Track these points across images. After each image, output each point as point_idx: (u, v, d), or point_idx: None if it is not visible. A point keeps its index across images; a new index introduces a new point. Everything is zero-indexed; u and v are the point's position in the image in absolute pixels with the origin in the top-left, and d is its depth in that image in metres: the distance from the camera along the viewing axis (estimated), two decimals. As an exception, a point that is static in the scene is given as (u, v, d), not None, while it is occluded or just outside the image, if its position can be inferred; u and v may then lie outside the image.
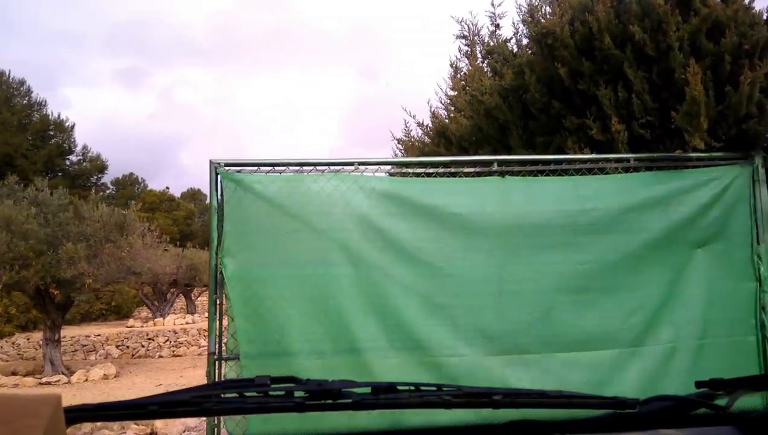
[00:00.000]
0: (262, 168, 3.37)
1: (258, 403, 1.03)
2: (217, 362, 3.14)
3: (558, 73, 4.10)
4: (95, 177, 30.64)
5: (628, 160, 3.61)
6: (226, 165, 3.34)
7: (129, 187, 37.13)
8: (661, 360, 3.28)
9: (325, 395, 1.01)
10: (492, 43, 5.51)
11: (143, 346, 15.46)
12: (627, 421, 1.09)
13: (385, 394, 1.04)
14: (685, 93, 3.40)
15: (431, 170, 3.51)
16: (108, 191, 33.63)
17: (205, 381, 3.16)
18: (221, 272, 3.16)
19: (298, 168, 3.40)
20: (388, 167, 4.04)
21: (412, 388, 1.07)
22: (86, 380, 11.46)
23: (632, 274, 3.40)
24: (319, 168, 3.41)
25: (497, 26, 5.33)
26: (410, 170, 3.61)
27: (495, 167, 3.51)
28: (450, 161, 3.50)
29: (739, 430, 1.14)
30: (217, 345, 3.17)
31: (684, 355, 3.30)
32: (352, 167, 3.43)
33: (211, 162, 3.33)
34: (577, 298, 3.35)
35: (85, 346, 15.21)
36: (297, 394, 1.01)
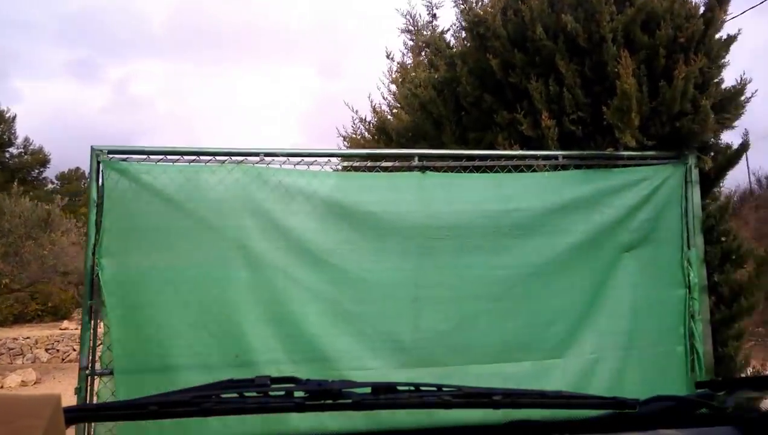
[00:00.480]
0: (152, 156, 2.99)
1: (258, 403, 1.02)
2: (89, 377, 2.75)
3: (490, 65, 3.85)
4: (37, 171, 29.19)
5: (556, 157, 3.39)
6: (110, 152, 2.95)
7: (75, 181, 35.55)
8: (584, 372, 3.06)
9: (325, 395, 1.00)
10: (428, 34, 5.26)
11: (74, 350, 14.61)
12: (627, 421, 1.08)
13: (385, 395, 1.03)
14: (617, 87, 3.19)
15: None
16: (52, 186, 32.11)
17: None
18: (98, 275, 2.77)
19: (194, 157, 3.03)
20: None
21: (412, 388, 1.07)
22: (1, 387, 10.67)
23: (555, 279, 3.17)
24: (219, 158, 3.05)
25: (434, 16, 5.08)
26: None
27: (416, 162, 3.23)
28: (367, 154, 3.21)
29: (739, 430, 1.10)
30: (90, 358, 2.78)
31: (608, 367, 3.09)
32: (257, 158, 3.09)
33: (92, 148, 2.94)
34: (496, 306, 3.10)
35: (12, 349, 14.26)
36: (297, 394, 1.00)
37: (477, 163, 3.29)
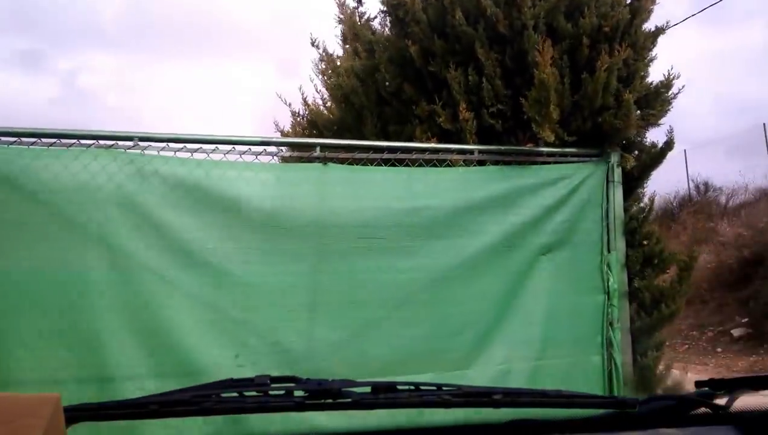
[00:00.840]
0: (2, 138, 2.57)
1: (258, 402, 1.02)
2: None
3: (410, 52, 3.57)
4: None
5: (471, 152, 3.14)
6: (-50, 132, 2.52)
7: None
8: (492, 384, 2.81)
9: (324, 395, 1.01)
10: (353, 20, 4.94)
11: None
12: (627, 421, 1.08)
13: (384, 394, 1.04)
14: (535, 77, 2.96)
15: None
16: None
17: None
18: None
19: (55, 140, 2.63)
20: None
21: (412, 387, 1.07)
22: None
23: (465, 284, 2.92)
24: (84, 142, 2.66)
25: (359, 2, 4.76)
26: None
27: (317, 153, 2.92)
28: (261, 141, 2.85)
29: (739, 430, 1.09)
30: None
31: (518, 378, 2.85)
32: (131, 143, 2.71)
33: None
34: (400, 313, 2.82)
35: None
36: (297, 393, 1.01)
37: (386, 155, 3.00)
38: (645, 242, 3.23)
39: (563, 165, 3.20)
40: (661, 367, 3.37)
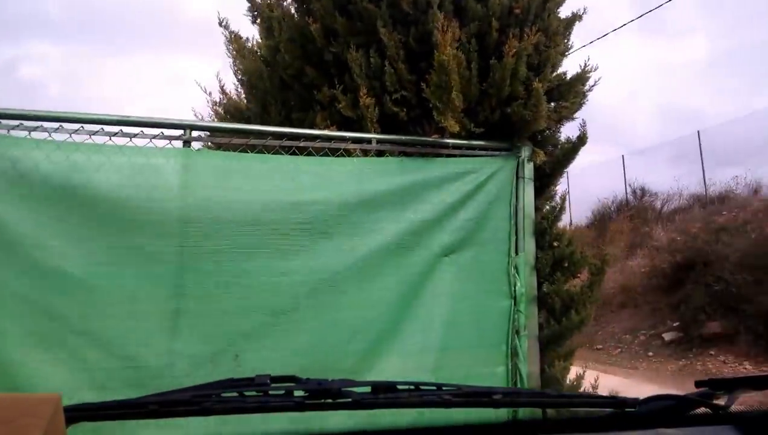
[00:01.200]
0: None
1: (258, 402, 1.02)
2: None
3: (311, 31, 3.24)
4: None
5: (369, 141, 2.83)
6: None
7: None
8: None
9: (324, 395, 1.01)
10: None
11: None
12: (627, 421, 1.07)
13: (384, 394, 1.04)
14: (435, 59, 2.68)
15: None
16: None
17: None
18: None
19: None
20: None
21: (412, 387, 1.07)
22: None
23: (356, 288, 2.61)
24: None
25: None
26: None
27: (185, 135, 2.54)
28: (118, 120, 2.45)
29: (739, 430, 1.06)
30: None
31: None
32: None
33: None
34: (280, 321, 2.48)
35: None
36: (297, 393, 1.01)
37: (269, 142, 2.66)
38: (555, 244, 3.00)
39: (470, 159, 2.94)
40: (572, 376, 3.15)
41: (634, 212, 14.83)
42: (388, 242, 2.69)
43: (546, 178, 3.15)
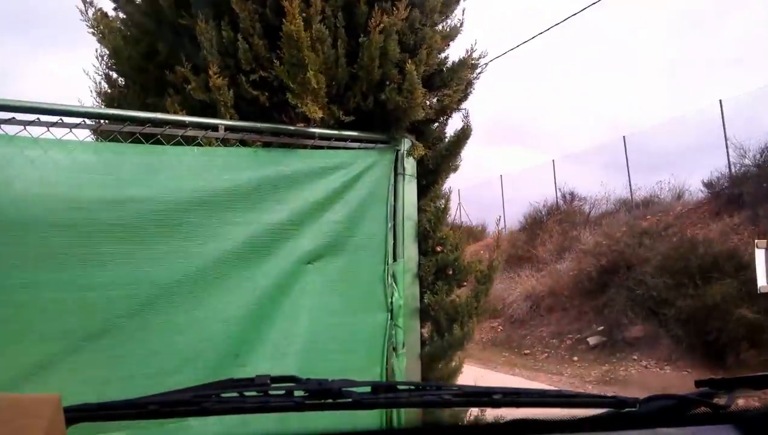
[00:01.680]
0: None
1: (258, 402, 1.02)
2: None
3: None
4: None
5: (215, 127, 2.39)
6: None
7: None
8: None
9: (325, 395, 1.00)
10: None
11: None
12: (627, 420, 1.08)
13: (385, 394, 1.05)
14: (283, 30, 2.27)
15: None
16: None
17: None
18: None
19: None
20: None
21: (413, 387, 1.13)
22: None
23: (191, 305, 2.16)
24: None
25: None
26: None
27: None
28: None
29: (739, 430, 1.06)
30: None
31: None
32: None
33: None
34: (88, 347, 2.00)
35: None
36: (297, 393, 1.00)
37: (84, 125, 2.18)
38: (438, 249, 2.64)
39: (339, 151, 2.55)
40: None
41: (563, 216, 14.95)
42: (236, 249, 2.26)
43: (431, 176, 2.80)
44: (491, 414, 1.08)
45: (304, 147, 2.50)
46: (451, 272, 2.66)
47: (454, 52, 2.94)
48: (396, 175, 2.64)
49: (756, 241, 7.20)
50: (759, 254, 7.12)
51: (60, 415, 0.77)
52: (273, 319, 2.31)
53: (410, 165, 2.71)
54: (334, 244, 2.46)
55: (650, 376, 8.58)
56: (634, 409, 1.09)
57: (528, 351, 11.03)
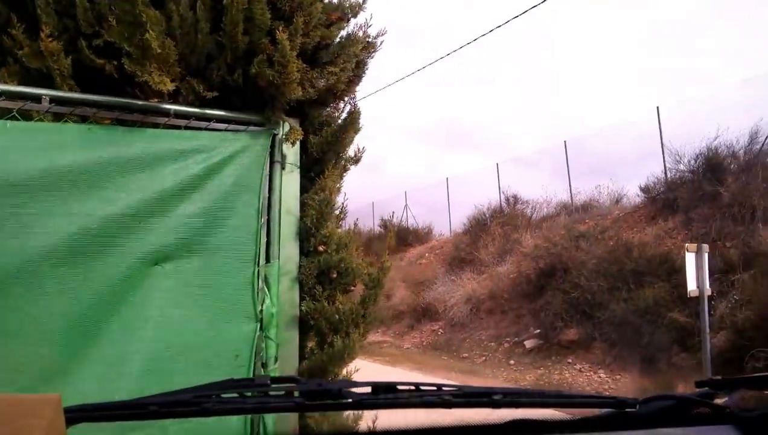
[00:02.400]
0: None
1: (258, 403, 1.03)
2: None
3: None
4: None
5: (37, 98, 1.98)
6: None
7: None
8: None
9: (325, 395, 1.00)
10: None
11: None
12: (627, 420, 1.09)
13: (385, 394, 1.03)
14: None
15: None
16: None
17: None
18: None
19: None
20: None
21: (412, 387, 1.08)
22: None
23: (6, 312, 1.75)
24: None
25: None
26: None
27: None
28: None
29: (739, 430, 1.07)
30: None
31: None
32: None
33: None
34: None
35: None
36: (297, 394, 1.00)
37: None
38: (321, 248, 2.30)
39: (200, 132, 2.17)
40: (348, 415, 2.46)
41: (505, 219, 14.92)
42: (57, 245, 1.85)
43: (317, 166, 2.45)
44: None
45: (156, 126, 2.11)
46: (335, 275, 2.32)
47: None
48: (273, 163, 2.28)
49: (686, 245, 7.19)
50: (689, 259, 7.12)
51: (60, 415, 0.77)
52: (106, 333, 1.91)
53: (292, 153, 2.36)
54: (189, 241, 2.09)
55: (584, 380, 8.51)
56: (634, 410, 1.08)
57: (466, 354, 10.85)
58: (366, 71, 2.49)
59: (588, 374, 8.65)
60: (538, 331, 10.10)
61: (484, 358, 10.44)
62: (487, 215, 15.84)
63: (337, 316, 2.28)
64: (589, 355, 8.92)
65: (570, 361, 9.01)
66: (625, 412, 1.09)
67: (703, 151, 10.63)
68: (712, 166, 10.34)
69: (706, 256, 7.10)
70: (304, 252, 2.35)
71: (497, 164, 16.74)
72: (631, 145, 16.02)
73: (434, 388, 1.09)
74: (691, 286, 7.02)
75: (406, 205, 20.83)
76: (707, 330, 7.08)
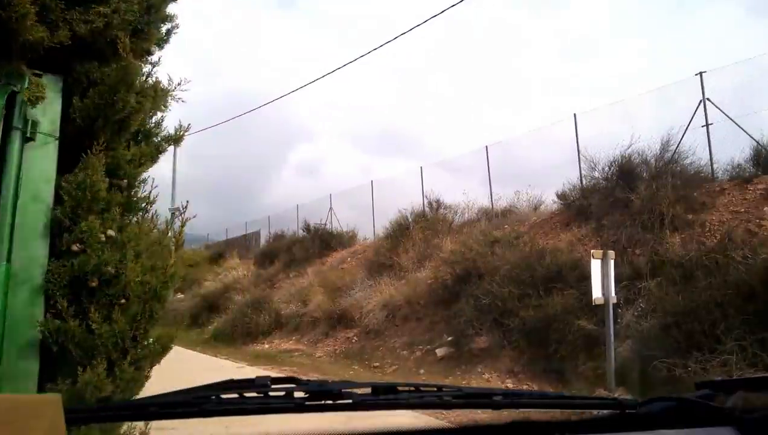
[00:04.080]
0: None
1: (259, 403, 1.03)
2: None
3: None
4: None
5: None
6: None
7: None
8: None
9: (325, 396, 1.02)
10: None
11: None
12: (627, 421, 1.10)
13: (385, 395, 1.05)
14: None
15: None
16: None
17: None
18: None
19: None
20: None
21: (413, 388, 1.10)
22: None
23: None
24: None
25: None
26: None
27: None
28: None
29: (738, 431, 1.08)
30: None
31: None
32: None
33: None
34: None
35: None
36: (297, 394, 1.02)
37: None
38: (76, 248, 1.71)
39: None
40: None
41: (427, 224, 14.64)
42: None
43: (83, 137, 1.86)
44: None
45: None
46: (95, 284, 1.73)
47: None
48: (9, 129, 1.68)
49: (592, 251, 7.03)
50: (595, 265, 6.94)
51: (60, 416, 0.76)
52: None
53: (48, 120, 1.77)
54: None
55: (493, 390, 8.22)
56: (634, 411, 1.09)
57: (378, 363, 10.38)
58: (173, 26, 1.92)
59: (496, 384, 8.37)
60: (451, 338, 9.78)
61: (395, 367, 10.01)
62: (410, 220, 15.51)
63: (94, 340, 1.69)
64: (499, 364, 8.65)
65: (479, 369, 8.72)
66: (625, 413, 1.09)
67: (617, 158, 10.70)
68: (625, 174, 10.40)
69: (611, 262, 6.96)
70: (55, 252, 1.75)
71: (421, 167, 16.47)
72: (553, 152, 16.12)
73: (434, 388, 1.10)
74: (596, 293, 6.85)
75: (330, 208, 20.26)
76: (611, 339, 6.92)
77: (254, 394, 1.03)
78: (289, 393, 1.02)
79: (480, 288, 9.61)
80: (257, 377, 1.07)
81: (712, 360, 6.23)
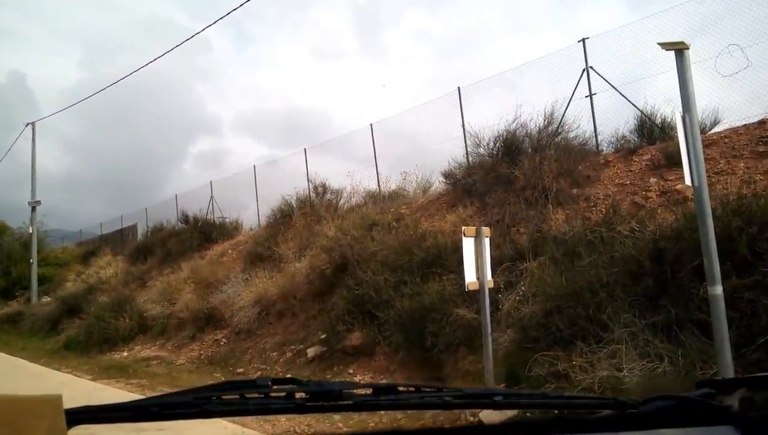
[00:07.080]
0: None
1: (259, 404, 1.05)
2: None
3: None
4: None
5: None
6: None
7: None
8: None
9: (325, 396, 1.02)
10: None
11: None
12: (627, 421, 1.10)
13: (385, 395, 1.06)
14: None
15: None
16: None
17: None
18: None
19: None
20: None
21: (413, 389, 1.11)
22: None
23: None
24: None
25: None
26: None
27: None
28: None
29: (739, 431, 1.07)
30: None
31: None
32: None
33: None
34: None
35: None
36: (298, 395, 1.03)
37: None
38: None
39: None
40: None
41: (309, 210, 13.41)
42: None
43: None
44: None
45: None
46: None
47: None
48: None
49: (464, 228, 6.09)
50: (467, 244, 6.01)
51: (61, 416, 0.76)
52: None
53: None
54: None
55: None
56: (634, 410, 1.09)
57: (242, 369, 9.05)
58: None
59: (370, 386, 7.31)
60: (324, 335, 8.63)
61: (260, 372, 8.72)
62: (295, 206, 14.20)
63: None
64: (373, 363, 7.61)
65: (351, 371, 7.62)
66: (625, 412, 1.10)
67: (502, 133, 9.99)
68: (509, 149, 9.70)
69: (486, 240, 6.06)
70: None
71: (305, 149, 15.17)
72: (438, 130, 15.23)
73: (435, 389, 1.10)
74: (470, 276, 5.91)
75: (211, 196, 18.45)
76: (488, 330, 6.01)
77: (255, 395, 1.02)
78: (290, 394, 1.03)
79: (354, 277, 8.51)
80: (258, 378, 1.09)
81: (599, 351, 5.42)
